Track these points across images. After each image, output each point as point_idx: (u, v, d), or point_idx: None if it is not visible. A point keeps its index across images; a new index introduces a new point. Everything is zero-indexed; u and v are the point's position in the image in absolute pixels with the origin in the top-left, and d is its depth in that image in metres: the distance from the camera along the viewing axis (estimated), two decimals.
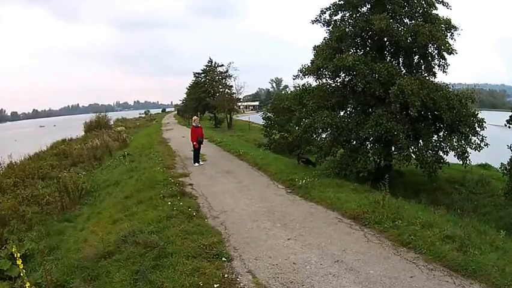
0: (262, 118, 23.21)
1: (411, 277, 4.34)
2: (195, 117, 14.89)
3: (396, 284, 4.19)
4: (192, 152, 13.21)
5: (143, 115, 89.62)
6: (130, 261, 5.01)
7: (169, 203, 7.50)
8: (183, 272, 4.50)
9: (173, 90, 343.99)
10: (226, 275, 4.49)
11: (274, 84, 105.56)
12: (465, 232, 5.42)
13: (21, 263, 4.50)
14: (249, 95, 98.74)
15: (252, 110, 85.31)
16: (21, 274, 4.15)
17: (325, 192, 8.31)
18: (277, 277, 4.43)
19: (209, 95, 42.37)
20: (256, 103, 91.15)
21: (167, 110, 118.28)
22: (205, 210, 7.36)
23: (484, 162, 17.34)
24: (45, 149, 22.61)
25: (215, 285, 4.24)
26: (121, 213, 7.61)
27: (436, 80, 12.40)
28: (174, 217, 6.62)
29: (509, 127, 10.42)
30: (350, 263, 4.73)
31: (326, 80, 12.70)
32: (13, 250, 4.38)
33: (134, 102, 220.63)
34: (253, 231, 6.09)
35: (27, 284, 4.07)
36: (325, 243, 5.42)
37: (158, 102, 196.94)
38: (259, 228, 6.19)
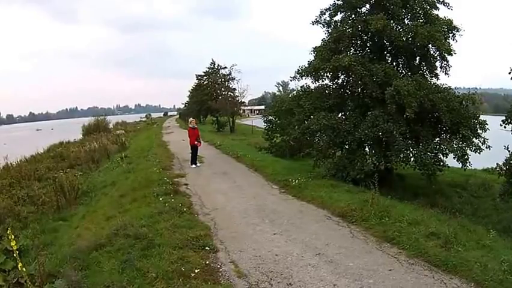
0: (264, 121, 23.23)
1: (390, 270, 4.41)
2: (191, 119, 15.01)
3: (373, 276, 4.26)
4: (190, 154, 13.30)
5: (144, 119, 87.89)
6: (120, 252, 5.17)
7: (161, 199, 7.67)
8: (169, 260, 4.66)
9: (175, 94, 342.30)
10: (209, 264, 4.66)
11: (280, 88, 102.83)
12: (451, 230, 5.43)
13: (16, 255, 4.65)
14: (255, 99, 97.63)
15: (257, 114, 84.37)
16: (15, 255, 4.31)
17: (318, 192, 8.36)
18: (258, 267, 4.57)
19: (211, 98, 41.61)
20: (262, 107, 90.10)
21: (169, 113, 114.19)
22: (197, 207, 7.49)
23: (490, 167, 17.14)
24: (41, 151, 22.49)
25: (196, 271, 4.39)
26: (115, 210, 7.80)
27: (440, 82, 12.20)
28: (165, 213, 6.77)
29: (504, 127, 10.37)
30: (331, 256, 4.82)
31: (323, 81, 12.74)
32: (11, 240, 4.53)
33: (135, 105, 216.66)
34: (241, 226, 6.22)
35: (20, 264, 4.25)
36: (309, 238, 5.52)
37: (160, 105, 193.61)
38: (247, 224, 6.31)
